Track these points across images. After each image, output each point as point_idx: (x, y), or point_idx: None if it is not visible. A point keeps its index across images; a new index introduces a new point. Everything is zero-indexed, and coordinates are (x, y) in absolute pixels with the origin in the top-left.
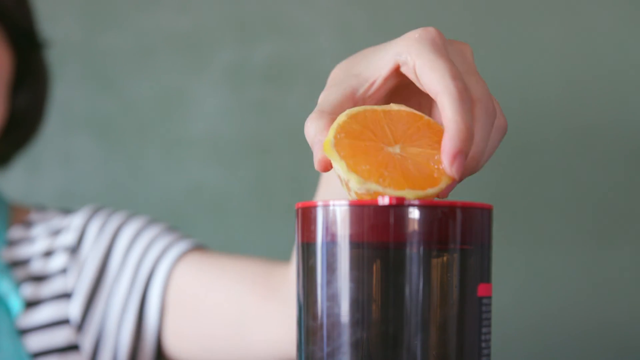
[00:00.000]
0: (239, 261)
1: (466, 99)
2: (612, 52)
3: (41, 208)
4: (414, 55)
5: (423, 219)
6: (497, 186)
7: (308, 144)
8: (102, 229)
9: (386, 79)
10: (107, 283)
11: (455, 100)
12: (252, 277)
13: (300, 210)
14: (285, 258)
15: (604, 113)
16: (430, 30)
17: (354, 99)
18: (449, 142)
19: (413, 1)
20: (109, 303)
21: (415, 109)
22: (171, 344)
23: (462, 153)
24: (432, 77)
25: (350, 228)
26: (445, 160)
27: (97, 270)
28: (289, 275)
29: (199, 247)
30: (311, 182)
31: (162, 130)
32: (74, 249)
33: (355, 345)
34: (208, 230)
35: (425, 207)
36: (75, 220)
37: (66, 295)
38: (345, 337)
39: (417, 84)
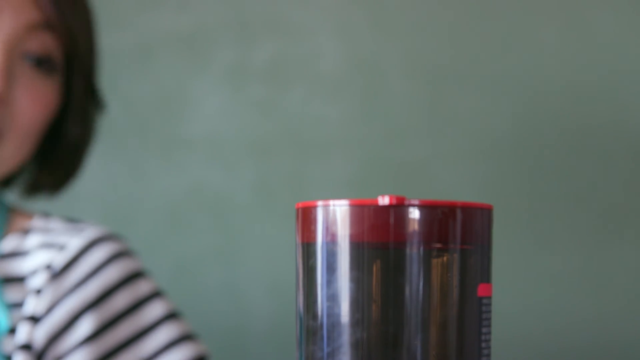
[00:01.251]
0: None
1: None
2: (614, 49)
3: (46, 215)
4: None
5: (423, 219)
6: (497, 186)
7: (308, 145)
8: (96, 271)
9: None
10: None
11: None
12: None
13: (300, 210)
14: (285, 258)
15: (606, 111)
16: None
17: None
18: None
19: (414, 1)
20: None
21: None
22: None
23: None
24: None
25: (350, 228)
26: None
27: (74, 313)
28: None
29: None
30: (311, 182)
31: (162, 130)
32: (57, 273)
33: (355, 345)
34: (208, 231)
35: (426, 207)
36: (73, 242)
37: (33, 319)
38: (345, 337)
39: None
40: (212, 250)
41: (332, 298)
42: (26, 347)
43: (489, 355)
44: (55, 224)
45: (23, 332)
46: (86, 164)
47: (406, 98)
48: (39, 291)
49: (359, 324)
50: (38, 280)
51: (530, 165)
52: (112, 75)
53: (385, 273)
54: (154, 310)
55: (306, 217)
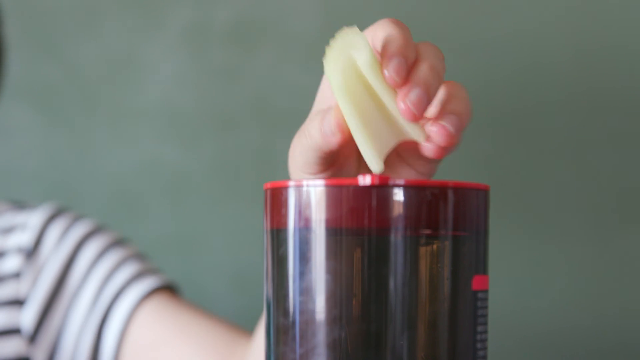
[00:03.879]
0: (202, 321)
1: (402, 25)
2: (623, 24)
3: None
4: (373, 32)
5: (409, 201)
6: (494, 163)
7: (278, 116)
8: (64, 234)
9: None
10: (67, 295)
11: (389, 24)
12: (211, 344)
13: (269, 192)
14: (252, 247)
15: (614, 90)
16: (389, 19)
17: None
18: (383, 51)
19: None
20: (68, 319)
21: None
22: None
23: (398, 55)
24: (381, 39)
25: (326, 212)
26: (384, 67)
27: (56, 280)
28: (249, 354)
29: (168, 287)
30: (281, 159)
31: (111, 99)
32: (30, 252)
33: (333, 345)
34: (164, 214)
35: (412, 187)
36: (33, 219)
37: (18, 302)
38: (321, 337)
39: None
40: (168, 237)
41: (306, 292)
42: (12, 331)
43: (485, 356)
44: (1, 207)
45: (4, 316)
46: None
47: None
48: (17, 274)
49: (337, 322)
50: (11, 264)
51: (532, 140)
52: (53, 37)
53: (367, 263)
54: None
55: (276, 200)
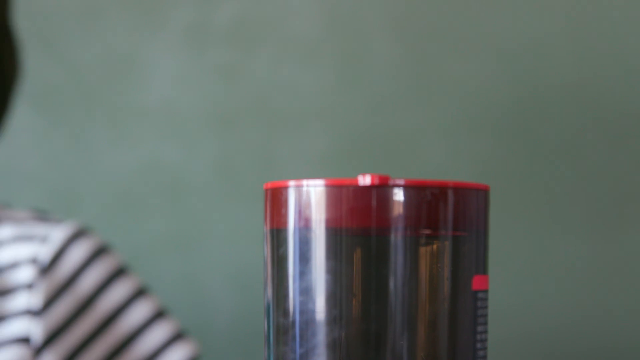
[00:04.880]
0: None
1: None
2: (623, 25)
3: (5, 205)
4: None
5: (410, 201)
6: (495, 164)
7: (278, 116)
8: (90, 263)
9: None
10: (87, 323)
11: None
12: None
13: (269, 192)
14: (252, 246)
15: (614, 90)
16: None
17: None
18: None
19: None
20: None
21: None
22: None
23: None
24: None
25: (326, 212)
26: None
27: (77, 306)
28: None
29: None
30: (282, 159)
31: (111, 99)
32: (46, 267)
33: (332, 345)
34: (164, 215)
35: (412, 187)
36: (55, 234)
37: (29, 313)
38: (321, 337)
39: None
40: (168, 237)
41: (306, 292)
42: (23, 340)
43: (485, 356)
44: (22, 214)
45: (17, 325)
46: (12, 111)
47: (391, 62)
48: (30, 286)
49: (337, 322)
50: (25, 275)
51: (532, 140)
52: (53, 37)
53: (367, 263)
54: (143, 309)
55: (276, 200)
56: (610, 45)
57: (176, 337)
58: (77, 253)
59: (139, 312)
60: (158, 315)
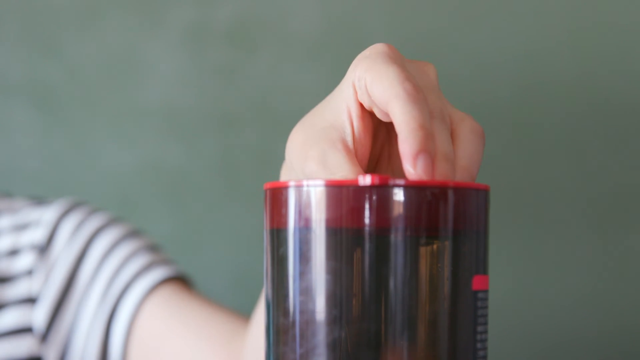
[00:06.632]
0: (207, 311)
1: (419, 100)
2: (622, 25)
3: (6, 195)
4: (363, 72)
5: (410, 201)
6: (494, 163)
7: (278, 116)
8: (77, 229)
9: (362, 115)
10: (77, 292)
11: (405, 101)
12: (214, 334)
13: (269, 192)
14: (252, 246)
15: (614, 90)
16: (380, 45)
17: (351, 152)
18: (405, 144)
19: None
20: (78, 315)
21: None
22: None
23: (424, 152)
24: (381, 88)
25: (326, 212)
26: (407, 163)
27: (67, 276)
28: (247, 343)
29: (177, 277)
30: (282, 159)
31: (111, 99)
32: (43, 248)
33: (333, 345)
34: (163, 215)
35: (412, 187)
36: (47, 215)
37: (30, 300)
38: (321, 337)
39: (376, 111)
40: (168, 237)
41: (306, 292)
42: (24, 330)
43: (485, 356)
44: (20, 203)
45: (17, 315)
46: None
47: None
48: (30, 272)
49: (337, 322)
50: (24, 262)
51: (533, 140)
52: (53, 37)
53: (367, 263)
54: (110, 237)
55: (276, 200)
56: (610, 45)
57: (147, 254)
58: (68, 225)
59: (104, 241)
60: (125, 236)
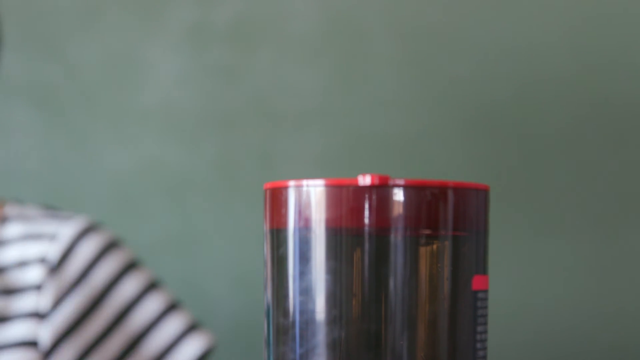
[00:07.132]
0: None
1: None
2: (622, 25)
3: (19, 202)
4: None
5: (410, 201)
6: (495, 164)
7: (278, 116)
8: (96, 260)
9: None
10: (92, 330)
11: None
12: None
13: (269, 192)
14: (252, 247)
15: (614, 90)
16: None
17: None
18: None
19: None
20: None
21: None
22: None
23: None
24: None
25: (326, 212)
26: None
27: (82, 309)
28: None
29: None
30: (282, 159)
31: (111, 99)
32: (55, 267)
33: (332, 345)
34: (164, 215)
35: (412, 187)
36: (63, 231)
37: (38, 315)
38: (321, 337)
39: None
40: (168, 237)
41: (306, 292)
42: (29, 343)
43: (484, 356)
44: (32, 211)
45: (23, 328)
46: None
47: (391, 63)
48: (38, 287)
49: (337, 322)
50: (33, 275)
51: (533, 140)
52: (53, 37)
53: (367, 263)
54: (155, 302)
55: (276, 200)
56: (609, 45)
57: (190, 329)
58: (87, 249)
59: (151, 306)
60: (171, 307)
